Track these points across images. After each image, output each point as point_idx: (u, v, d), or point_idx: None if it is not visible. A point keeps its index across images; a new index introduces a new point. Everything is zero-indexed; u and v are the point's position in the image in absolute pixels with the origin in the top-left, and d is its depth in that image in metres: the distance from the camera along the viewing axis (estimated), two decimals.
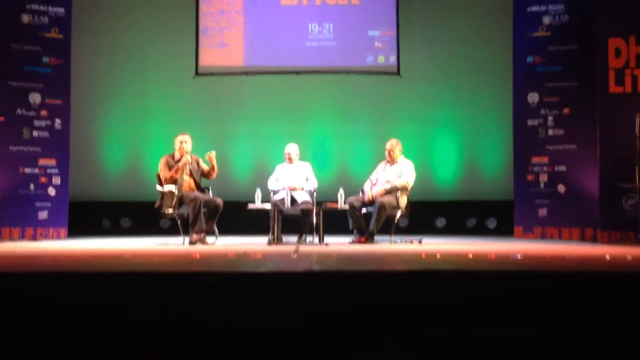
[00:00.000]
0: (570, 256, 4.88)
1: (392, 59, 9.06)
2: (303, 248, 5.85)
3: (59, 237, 7.87)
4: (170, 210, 6.56)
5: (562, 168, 7.86)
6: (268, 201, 6.77)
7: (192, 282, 3.54)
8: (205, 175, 6.88)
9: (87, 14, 8.77)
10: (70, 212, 8.06)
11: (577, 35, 7.81)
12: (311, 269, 3.79)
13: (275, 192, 6.94)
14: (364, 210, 6.82)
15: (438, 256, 4.81)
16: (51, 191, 7.93)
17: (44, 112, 7.91)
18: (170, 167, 6.68)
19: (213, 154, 6.75)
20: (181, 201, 6.60)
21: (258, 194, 6.70)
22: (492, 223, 8.91)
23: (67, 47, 8.11)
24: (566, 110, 7.88)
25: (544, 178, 7.97)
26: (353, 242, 6.75)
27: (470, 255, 4.79)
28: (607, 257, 4.72)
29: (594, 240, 7.29)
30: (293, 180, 6.96)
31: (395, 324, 3.19)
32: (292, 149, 7.15)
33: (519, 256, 4.74)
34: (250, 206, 6.72)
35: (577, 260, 4.57)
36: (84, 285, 3.49)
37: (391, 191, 6.79)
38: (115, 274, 3.75)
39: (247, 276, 3.62)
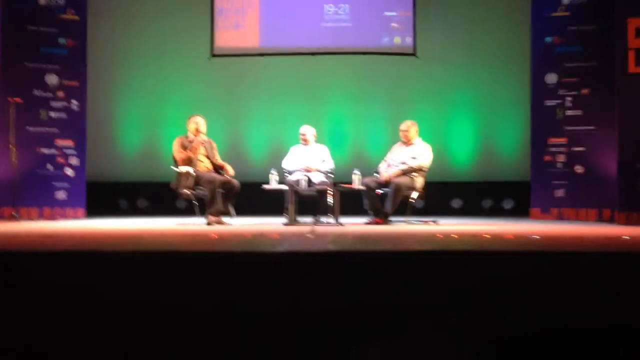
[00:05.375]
0: (588, 237, 4.86)
1: (409, 39, 9.00)
2: (319, 228, 5.86)
3: (76, 217, 7.93)
4: (187, 191, 6.60)
5: (580, 149, 7.79)
6: (283, 183, 6.78)
7: (209, 262, 3.57)
8: (217, 168, 6.89)
9: None
10: (88, 192, 8.12)
11: (596, 15, 7.70)
12: (327, 249, 3.80)
13: (290, 173, 6.94)
14: (379, 191, 6.81)
15: (454, 236, 4.80)
16: (69, 171, 7.99)
17: (60, 94, 7.95)
18: (185, 148, 6.71)
19: (228, 169, 6.77)
20: (197, 182, 6.63)
21: (273, 175, 6.71)
22: (508, 204, 8.87)
23: (83, 28, 8.12)
24: (585, 91, 7.79)
25: (561, 159, 7.91)
26: (369, 222, 6.75)
27: (487, 236, 4.78)
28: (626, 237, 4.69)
29: (612, 221, 7.23)
30: (309, 161, 6.96)
31: (414, 305, 3.19)
32: (307, 130, 7.13)
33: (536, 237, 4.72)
34: (265, 187, 6.74)
35: (594, 240, 4.54)
36: (101, 265, 3.52)
37: (407, 172, 6.77)
38: (132, 252, 3.78)
39: (264, 256, 3.64)
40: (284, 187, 6.71)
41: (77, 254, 3.76)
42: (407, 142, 6.98)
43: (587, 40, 7.77)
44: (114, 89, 9.09)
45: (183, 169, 6.64)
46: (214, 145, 6.97)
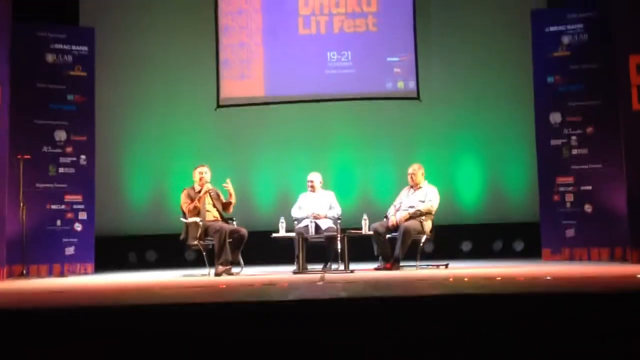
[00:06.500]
0: (601, 277, 4.80)
1: (412, 84, 9.08)
2: (329, 275, 5.82)
3: (85, 272, 7.90)
4: (196, 242, 6.59)
5: (588, 187, 7.74)
6: (292, 230, 6.77)
7: (219, 312, 3.54)
8: (224, 208, 6.91)
9: (110, 50, 8.90)
10: (97, 246, 8.11)
11: (598, 53, 7.76)
12: (338, 296, 3.77)
13: (299, 221, 6.94)
14: (388, 236, 6.78)
15: (465, 279, 4.76)
16: (78, 227, 7.99)
17: (69, 149, 8.01)
18: (191, 199, 6.73)
19: (229, 182, 6.80)
20: (206, 232, 6.63)
21: (282, 223, 6.71)
22: (519, 245, 8.80)
23: (91, 84, 8.23)
24: (590, 129, 7.80)
25: (570, 198, 7.86)
26: (378, 268, 6.70)
27: (498, 278, 4.73)
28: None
29: (624, 259, 7.15)
30: (316, 208, 6.96)
31: (426, 349, 3.15)
32: (314, 177, 7.16)
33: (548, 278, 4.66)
34: (275, 235, 6.73)
35: (607, 280, 4.49)
36: (113, 318, 3.50)
37: (415, 216, 6.75)
38: (143, 306, 3.76)
39: (274, 305, 3.61)
40: (293, 234, 6.70)
41: (87, 309, 3.74)
42: (415, 186, 6.98)
43: (589, 79, 7.80)
44: (121, 142, 9.16)
45: (191, 220, 6.65)
46: (219, 192, 6.98)
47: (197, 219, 6.63)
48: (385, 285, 4.48)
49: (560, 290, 3.73)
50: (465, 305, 3.46)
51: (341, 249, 6.49)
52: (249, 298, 3.91)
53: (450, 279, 4.85)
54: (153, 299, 4.15)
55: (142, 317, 3.50)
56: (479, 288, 4.07)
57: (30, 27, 7.92)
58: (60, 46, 8.08)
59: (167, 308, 3.68)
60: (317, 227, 6.75)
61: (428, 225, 6.77)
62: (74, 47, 8.14)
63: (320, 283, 4.81)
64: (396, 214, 6.84)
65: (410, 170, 7.01)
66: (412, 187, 7.01)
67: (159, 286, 5.12)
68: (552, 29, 8.07)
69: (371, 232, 6.67)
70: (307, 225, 6.75)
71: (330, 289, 4.26)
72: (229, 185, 6.81)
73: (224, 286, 4.84)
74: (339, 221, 6.70)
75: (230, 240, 6.57)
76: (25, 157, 7.35)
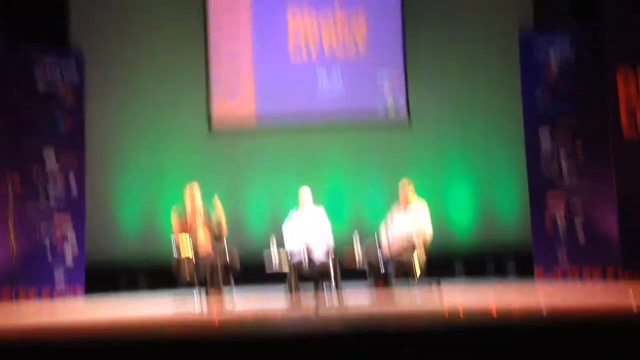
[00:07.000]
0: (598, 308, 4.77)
1: (402, 106, 9.05)
2: (322, 307, 5.76)
3: (75, 297, 7.82)
4: (189, 279, 6.49)
5: (579, 207, 7.75)
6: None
7: (213, 349, 3.51)
8: (215, 236, 6.83)
9: (100, 75, 8.81)
10: (87, 270, 8.03)
11: (586, 70, 7.76)
12: (333, 332, 3.74)
13: (292, 255, 6.83)
14: (382, 267, 6.70)
15: (460, 315, 4.72)
16: (67, 251, 7.92)
17: (59, 174, 7.93)
18: (181, 217, 6.66)
19: (216, 197, 6.70)
20: (197, 264, 6.52)
21: (275, 255, 6.60)
22: (511, 266, 8.73)
23: (82, 110, 8.19)
24: (580, 149, 7.79)
25: (561, 219, 7.87)
26: (370, 286, 6.66)
27: (494, 312, 4.69)
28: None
29: (616, 279, 7.15)
30: (309, 231, 6.90)
31: None
32: (304, 191, 7.11)
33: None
34: (269, 271, 6.63)
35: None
36: (105, 357, 3.46)
37: (409, 248, 6.69)
38: (136, 343, 3.72)
39: (268, 341, 3.58)
40: (286, 269, 6.61)
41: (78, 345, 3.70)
42: (405, 203, 6.93)
43: (578, 96, 7.76)
44: (112, 167, 9.05)
45: (181, 238, 6.53)
46: (210, 213, 6.91)
47: (188, 244, 6.50)
48: (380, 320, 4.45)
49: (556, 325, 3.72)
50: (461, 340, 3.45)
51: (334, 277, 6.44)
52: (243, 334, 3.88)
53: (445, 314, 4.82)
54: (146, 336, 4.11)
55: (135, 356, 3.47)
56: (475, 323, 4.05)
57: (21, 49, 7.84)
58: (51, 72, 8.00)
59: (160, 345, 3.65)
60: (310, 261, 6.68)
61: (422, 255, 6.69)
62: (65, 73, 8.07)
63: (314, 316, 4.77)
64: (390, 243, 6.76)
65: (399, 186, 7.00)
66: (402, 204, 6.99)
67: (151, 321, 5.07)
68: (540, 47, 8.09)
69: (365, 266, 6.61)
70: (300, 260, 6.68)
71: (325, 324, 4.24)
72: (217, 202, 6.70)
73: (217, 322, 4.78)
74: (331, 255, 6.63)
75: (223, 273, 6.48)
76: (15, 181, 7.29)
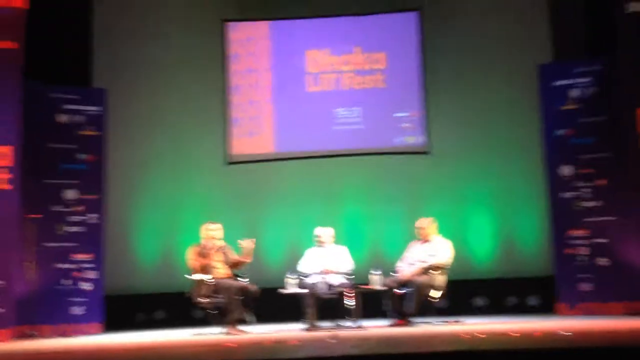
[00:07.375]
0: (620, 331, 4.66)
1: (421, 139, 9.12)
2: (340, 332, 5.70)
3: (93, 332, 7.76)
4: (204, 300, 6.48)
5: (604, 240, 7.63)
6: (301, 286, 6.67)
7: None
8: (234, 265, 6.83)
9: (122, 108, 8.96)
10: (105, 305, 8.01)
11: (606, 105, 7.77)
12: (350, 353, 3.67)
13: (306, 276, 6.81)
14: (399, 291, 6.65)
15: (481, 336, 4.62)
16: (86, 286, 7.89)
17: (79, 208, 7.95)
18: (199, 256, 6.67)
19: (250, 241, 6.70)
20: (215, 290, 6.52)
21: (290, 279, 6.60)
22: (533, 300, 8.61)
23: (103, 143, 8.26)
24: (602, 182, 7.72)
25: (584, 251, 7.73)
26: (391, 325, 6.57)
27: (515, 334, 4.59)
28: None
29: None
30: (326, 263, 6.85)
31: None
32: (322, 231, 7.10)
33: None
34: (283, 291, 6.62)
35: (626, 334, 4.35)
36: None
37: (427, 270, 6.65)
38: None
39: None
40: (302, 290, 6.59)
41: None
42: (424, 239, 6.91)
43: (599, 131, 7.78)
44: (131, 199, 9.15)
45: (198, 276, 6.57)
46: (230, 249, 6.91)
47: (206, 276, 6.54)
48: (397, 341, 4.37)
49: (581, 345, 3.61)
50: None
51: (352, 305, 6.37)
52: (259, 357, 3.82)
53: (465, 336, 4.72)
54: (163, 359, 4.06)
55: None
56: (495, 344, 3.95)
57: (43, 89, 7.99)
58: (72, 107, 8.13)
59: None
60: (328, 283, 6.64)
61: (440, 279, 6.66)
62: (86, 108, 8.19)
63: (332, 340, 4.69)
64: (408, 269, 6.74)
65: (418, 225, 6.97)
66: (421, 240, 6.95)
67: (168, 346, 5.02)
68: (559, 82, 8.11)
69: (383, 288, 6.56)
70: (317, 282, 6.64)
71: (342, 346, 4.16)
72: (248, 244, 6.70)
73: (235, 345, 4.73)
74: (350, 277, 6.60)
75: (241, 297, 6.46)
76: (35, 216, 7.31)
